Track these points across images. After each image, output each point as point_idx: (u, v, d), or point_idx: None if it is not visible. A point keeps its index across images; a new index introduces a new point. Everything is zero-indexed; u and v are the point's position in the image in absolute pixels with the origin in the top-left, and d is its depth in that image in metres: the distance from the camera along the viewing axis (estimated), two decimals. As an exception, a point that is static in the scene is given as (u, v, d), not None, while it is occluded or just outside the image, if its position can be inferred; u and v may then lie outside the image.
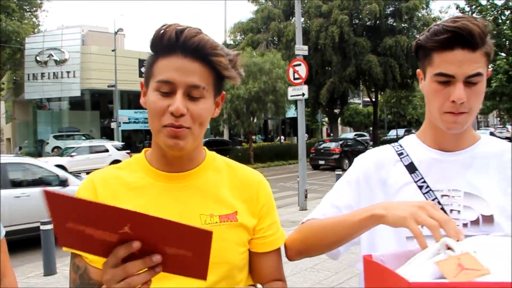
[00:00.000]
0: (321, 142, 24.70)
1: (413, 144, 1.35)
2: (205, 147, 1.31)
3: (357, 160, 1.44)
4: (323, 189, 14.80)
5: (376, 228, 1.15)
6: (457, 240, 0.92)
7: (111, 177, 1.21)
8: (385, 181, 1.32)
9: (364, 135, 39.18)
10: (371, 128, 42.49)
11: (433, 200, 1.22)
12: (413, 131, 38.94)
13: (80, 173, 18.67)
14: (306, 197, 10.74)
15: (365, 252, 1.23)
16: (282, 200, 12.56)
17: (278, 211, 1.37)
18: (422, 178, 1.26)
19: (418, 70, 1.30)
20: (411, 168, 1.29)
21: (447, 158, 1.27)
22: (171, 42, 1.09)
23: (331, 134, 35.81)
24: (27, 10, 33.79)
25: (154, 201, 1.16)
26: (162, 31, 1.10)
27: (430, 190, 1.24)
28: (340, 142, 23.31)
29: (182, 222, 0.83)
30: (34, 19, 35.09)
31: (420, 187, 1.25)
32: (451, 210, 1.21)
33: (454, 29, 1.12)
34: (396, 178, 1.30)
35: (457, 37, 1.12)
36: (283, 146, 32.12)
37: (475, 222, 1.19)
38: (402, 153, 1.34)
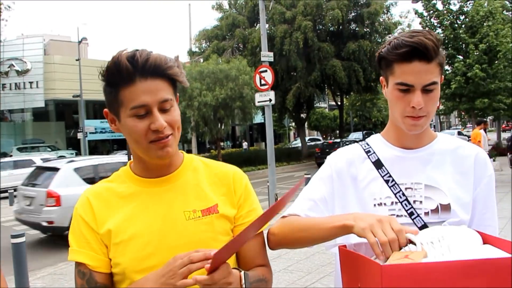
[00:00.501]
0: (325, 143, 28.98)
1: (378, 142, 1.51)
2: (182, 151, 1.46)
3: (330, 158, 1.57)
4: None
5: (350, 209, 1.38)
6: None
7: (103, 190, 1.37)
8: (356, 177, 1.47)
9: (318, 139, 40.45)
10: (337, 132, 43.16)
11: (398, 192, 1.38)
12: (373, 133, 40.45)
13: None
14: (276, 201, 10.93)
15: None
16: (252, 205, 12.72)
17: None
18: (388, 173, 1.42)
19: (381, 78, 1.46)
20: (378, 164, 1.44)
21: (409, 155, 1.44)
22: (129, 72, 1.20)
23: (298, 138, 36.20)
24: (-16, 19, 32.86)
25: (142, 206, 1.32)
26: (114, 64, 1.21)
27: (396, 183, 1.40)
28: (342, 143, 25.99)
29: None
30: (-8, 29, 34.16)
31: (387, 181, 1.41)
32: (414, 201, 1.38)
33: (412, 44, 1.28)
34: (365, 173, 1.46)
35: (415, 51, 1.28)
36: (251, 152, 32.28)
37: (435, 211, 1.36)
38: (369, 151, 1.49)
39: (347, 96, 38.25)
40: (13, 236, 6.22)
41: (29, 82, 33.10)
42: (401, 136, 1.45)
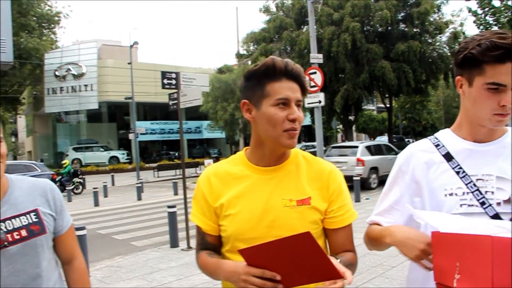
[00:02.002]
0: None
1: (448, 137, 1.58)
2: None
3: (399, 156, 1.67)
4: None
5: (423, 208, 1.52)
6: None
7: (220, 170, 1.68)
8: (426, 170, 1.55)
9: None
10: (386, 134, 42.41)
11: (469, 183, 1.45)
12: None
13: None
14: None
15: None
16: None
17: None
18: (459, 165, 1.49)
19: (457, 78, 1.51)
20: (448, 156, 1.52)
21: (481, 148, 1.50)
22: (281, 71, 1.51)
23: (346, 141, 35.89)
24: (46, 27, 34.56)
25: (250, 188, 1.59)
26: (272, 62, 1.52)
27: (466, 175, 1.46)
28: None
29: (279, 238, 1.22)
30: (52, 36, 35.86)
31: (457, 173, 1.48)
32: (486, 192, 1.43)
33: (507, 46, 1.34)
34: (436, 166, 1.53)
35: (508, 52, 1.35)
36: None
37: (507, 201, 1.41)
38: (438, 145, 1.57)
39: (396, 98, 37.49)
40: (75, 229, 6.57)
41: (84, 85, 34.54)
42: (474, 130, 1.51)
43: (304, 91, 1.57)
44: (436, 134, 1.63)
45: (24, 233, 1.67)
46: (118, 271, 6.89)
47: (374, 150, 16.42)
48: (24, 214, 1.70)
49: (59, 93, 34.39)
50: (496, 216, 1.37)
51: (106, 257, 7.96)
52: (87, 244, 6.73)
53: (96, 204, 15.66)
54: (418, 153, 1.59)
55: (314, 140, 11.97)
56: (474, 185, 1.44)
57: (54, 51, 35.06)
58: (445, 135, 1.60)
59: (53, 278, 1.79)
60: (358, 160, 15.16)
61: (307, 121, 32.89)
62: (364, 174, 14.99)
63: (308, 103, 11.43)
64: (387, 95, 33.26)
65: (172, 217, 8.27)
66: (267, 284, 1.27)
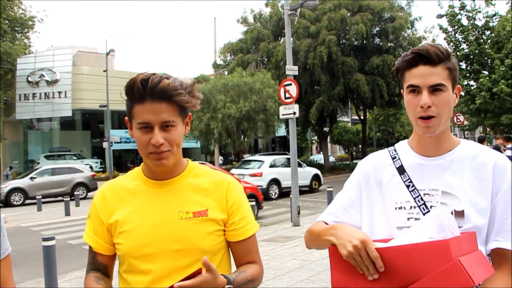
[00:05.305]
0: None
1: (404, 149, 1.63)
2: (188, 159, 1.67)
3: (358, 165, 1.72)
4: (315, 206, 14.99)
5: (373, 220, 1.55)
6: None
7: (116, 185, 1.63)
8: (381, 181, 1.60)
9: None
10: (360, 146, 42.93)
11: (417, 197, 1.49)
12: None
13: None
14: (298, 213, 10.93)
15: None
16: (275, 217, 12.74)
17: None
18: (409, 178, 1.53)
19: (401, 90, 1.59)
20: (401, 170, 1.56)
21: (429, 162, 1.54)
22: (140, 92, 1.42)
23: (321, 152, 36.15)
24: (19, 31, 33.93)
25: (146, 202, 1.55)
26: (131, 83, 1.44)
27: (415, 189, 1.51)
28: None
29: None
30: (25, 40, 35.21)
31: (408, 186, 1.52)
32: (431, 206, 1.47)
33: (416, 51, 1.47)
34: (389, 178, 1.58)
35: (418, 56, 1.46)
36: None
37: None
38: (395, 157, 1.61)
39: (370, 111, 38.07)
40: (44, 239, 6.39)
41: (58, 92, 33.90)
42: (422, 143, 1.55)
43: (182, 107, 1.48)
44: (396, 146, 1.67)
45: None
46: (88, 282, 6.73)
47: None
48: None
49: (32, 99, 33.64)
50: None
51: (76, 268, 7.79)
52: (56, 254, 6.58)
53: (67, 213, 15.32)
54: (376, 163, 1.64)
55: (288, 151, 11.98)
56: (421, 199, 1.48)
57: (27, 56, 34.34)
58: (402, 147, 1.64)
59: None
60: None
61: (282, 132, 33.04)
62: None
63: (283, 114, 11.47)
64: (361, 108, 33.75)
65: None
66: None
